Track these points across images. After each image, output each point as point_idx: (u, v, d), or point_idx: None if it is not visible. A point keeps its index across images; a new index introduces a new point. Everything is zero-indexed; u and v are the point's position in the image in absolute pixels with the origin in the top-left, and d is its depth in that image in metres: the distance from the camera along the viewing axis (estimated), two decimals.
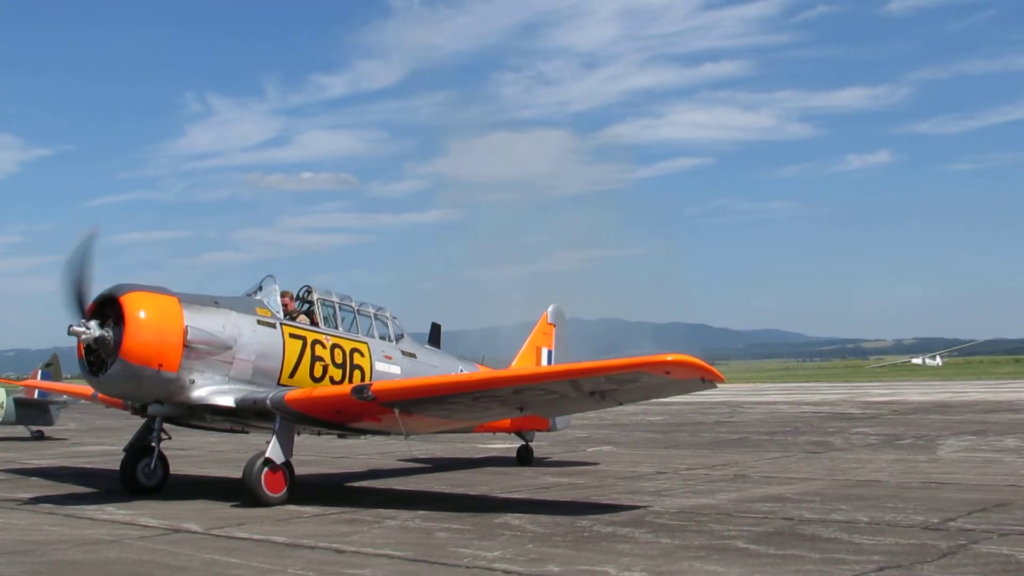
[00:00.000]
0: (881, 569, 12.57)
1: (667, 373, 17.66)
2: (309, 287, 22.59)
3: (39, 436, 40.70)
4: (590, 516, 17.38)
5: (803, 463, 26.38)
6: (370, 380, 21.73)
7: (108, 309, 19.68)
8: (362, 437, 25.21)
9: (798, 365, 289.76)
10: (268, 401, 19.95)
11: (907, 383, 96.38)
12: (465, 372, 24.44)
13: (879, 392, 75.87)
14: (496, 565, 13.15)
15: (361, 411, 20.01)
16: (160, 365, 19.52)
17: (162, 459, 21.56)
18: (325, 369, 21.66)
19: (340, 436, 23.96)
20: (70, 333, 19.57)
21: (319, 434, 23.07)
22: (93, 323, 19.53)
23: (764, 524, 16.20)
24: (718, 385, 17.98)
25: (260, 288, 21.77)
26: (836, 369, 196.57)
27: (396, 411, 19.58)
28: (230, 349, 20.36)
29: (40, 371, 41.18)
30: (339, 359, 21.95)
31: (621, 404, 21.23)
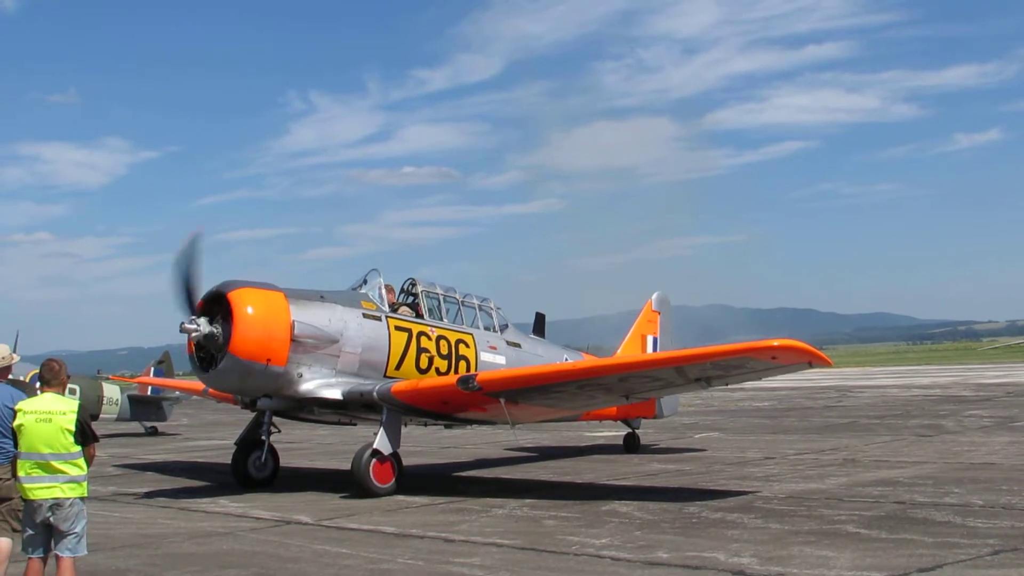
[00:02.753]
0: (996, 553, 12.36)
1: (774, 358, 17.54)
2: (413, 279, 22.71)
3: (153, 432, 41.41)
4: (698, 502, 17.29)
5: (914, 446, 26.00)
6: (476, 370, 21.80)
7: (217, 306, 19.98)
8: (468, 427, 25.33)
9: (908, 348, 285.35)
10: (375, 393, 20.11)
11: (1022, 365, 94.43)
12: (570, 361, 24.42)
13: (993, 374, 74.43)
14: (604, 552, 13.15)
15: (467, 401, 20.09)
16: (268, 360, 19.76)
17: (272, 452, 21.84)
18: (431, 360, 21.76)
19: (447, 426, 24.11)
20: (181, 331, 19.90)
21: (426, 425, 23.22)
22: (203, 320, 19.84)
23: (875, 508, 16.02)
24: (825, 369, 17.82)
25: (365, 282, 21.93)
26: (947, 352, 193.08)
27: (502, 401, 19.63)
28: (337, 343, 20.54)
29: (153, 368, 41.93)
30: (444, 350, 22.05)
31: (727, 386, 21.12)
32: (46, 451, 10.01)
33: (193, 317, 19.92)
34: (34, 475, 10.03)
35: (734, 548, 13.09)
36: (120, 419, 40.36)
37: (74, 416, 10.11)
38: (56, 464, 10.01)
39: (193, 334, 19.85)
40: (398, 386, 20.13)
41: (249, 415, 22.51)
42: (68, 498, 10.05)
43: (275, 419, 21.73)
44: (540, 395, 19.92)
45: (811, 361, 17.50)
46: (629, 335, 29.53)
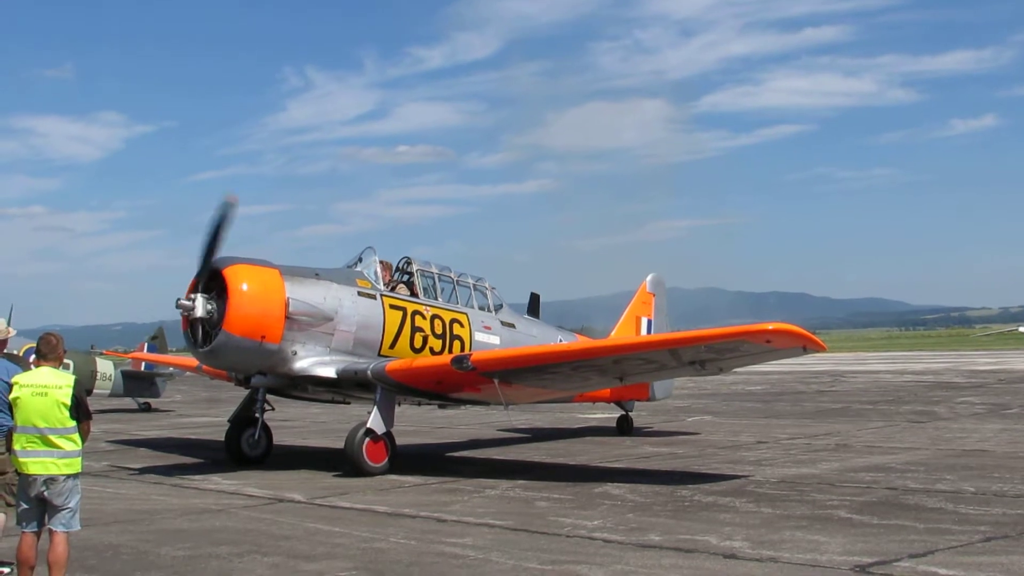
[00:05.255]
0: (988, 539, 12.40)
1: (768, 342, 17.53)
2: (409, 258, 22.66)
3: (146, 408, 41.37)
4: (690, 486, 17.33)
5: (907, 432, 26.04)
6: (470, 350, 21.79)
7: (212, 282, 19.92)
8: (462, 407, 25.32)
9: (901, 334, 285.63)
10: (369, 372, 20.10)
11: (1014, 352, 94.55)
12: (564, 342, 24.42)
13: (985, 361, 74.53)
14: (596, 534, 13.18)
15: (461, 381, 20.08)
16: (263, 337, 19.73)
17: (266, 430, 21.85)
18: (425, 340, 21.74)
19: (440, 406, 24.09)
20: (178, 307, 19.83)
21: (419, 404, 23.21)
22: (198, 296, 19.78)
23: (867, 494, 16.06)
24: (818, 353, 17.81)
25: (360, 260, 21.88)
26: (940, 338, 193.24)
27: (496, 381, 19.62)
28: (331, 320, 20.51)
29: (146, 344, 41.84)
30: (439, 330, 22.03)
31: (721, 372, 21.12)
32: (42, 425, 9.98)
33: (193, 296, 19.83)
34: (29, 449, 10.00)
35: (726, 532, 13.12)
36: (113, 395, 40.32)
37: (70, 390, 10.09)
38: (52, 438, 9.99)
39: (188, 311, 19.78)
40: (392, 365, 20.13)
41: (243, 392, 22.49)
42: (63, 473, 10.04)
43: (269, 396, 21.74)
44: (534, 376, 19.92)
45: (805, 345, 17.52)
46: (623, 317, 29.50)
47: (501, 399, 20.74)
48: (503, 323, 23.71)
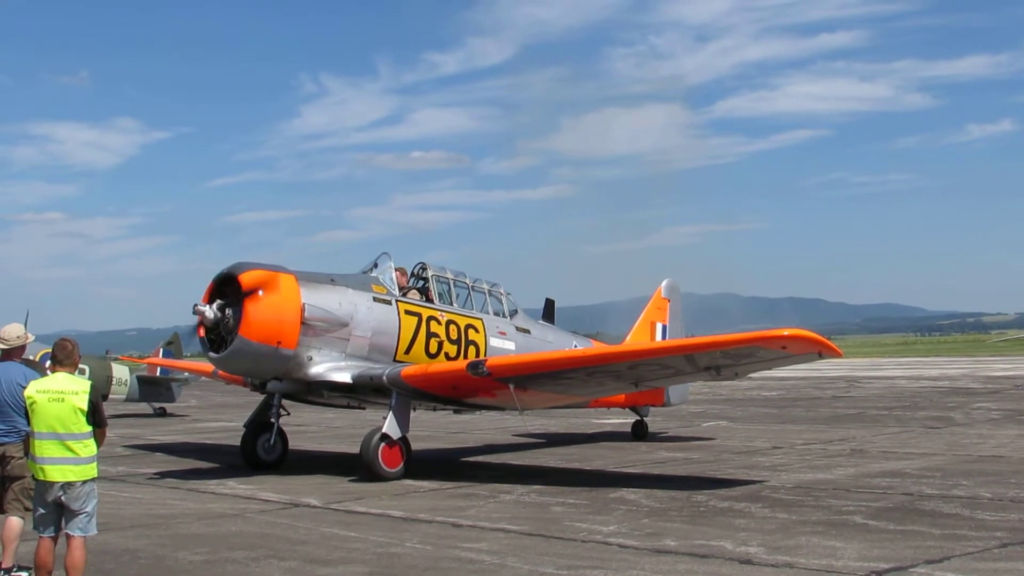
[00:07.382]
0: (1004, 546, 12.36)
1: (783, 348, 17.51)
2: (424, 264, 22.69)
3: (161, 413, 41.44)
4: (706, 491, 17.30)
5: (923, 438, 25.97)
6: (485, 356, 21.80)
7: (228, 288, 19.97)
8: (477, 412, 25.35)
9: (916, 339, 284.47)
10: (384, 377, 20.12)
11: None
12: (579, 347, 24.41)
13: (1001, 367, 74.28)
14: (612, 539, 13.17)
15: (476, 387, 20.10)
16: (278, 342, 19.76)
17: (281, 435, 21.88)
18: (440, 345, 21.76)
19: (455, 411, 24.11)
20: (195, 312, 19.87)
21: (435, 409, 23.22)
22: (215, 305, 19.81)
23: (883, 499, 16.02)
24: (834, 359, 17.77)
25: (375, 265, 21.90)
26: (956, 343, 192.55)
27: (511, 386, 19.63)
28: (346, 326, 20.54)
29: (162, 349, 41.92)
30: (454, 335, 22.04)
31: (737, 378, 21.11)
32: (59, 430, 10.01)
33: (220, 302, 19.88)
34: (46, 455, 10.04)
35: (741, 537, 13.11)
36: (129, 400, 40.38)
37: (86, 396, 10.11)
38: (69, 444, 10.02)
39: (205, 315, 19.80)
40: (408, 370, 20.14)
41: (258, 397, 22.54)
42: (79, 479, 10.06)
43: (284, 402, 21.77)
44: (549, 381, 19.92)
45: (821, 351, 17.49)
46: (638, 322, 29.51)
47: (516, 404, 20.74)
48: (518, 328, 23.71)
